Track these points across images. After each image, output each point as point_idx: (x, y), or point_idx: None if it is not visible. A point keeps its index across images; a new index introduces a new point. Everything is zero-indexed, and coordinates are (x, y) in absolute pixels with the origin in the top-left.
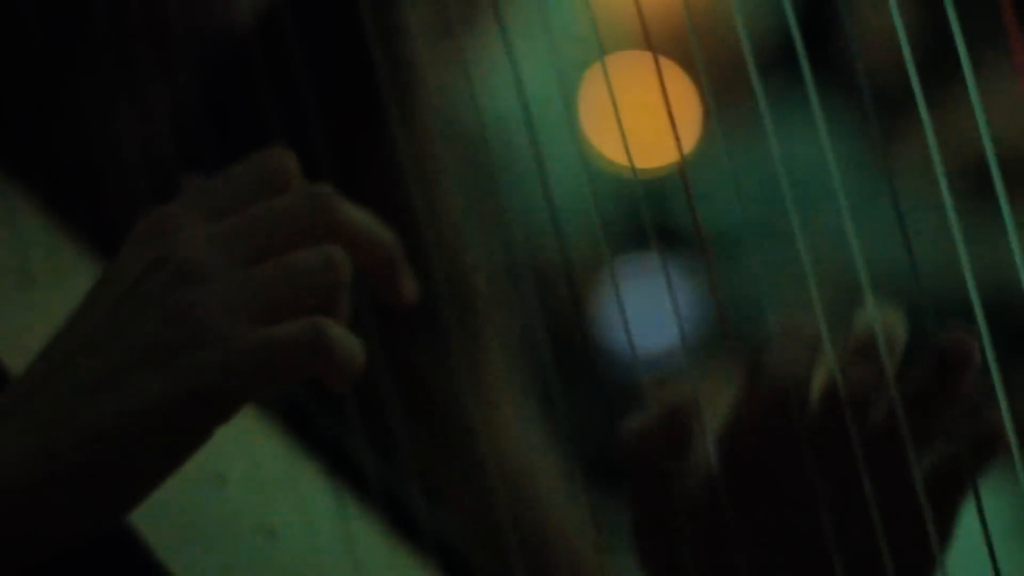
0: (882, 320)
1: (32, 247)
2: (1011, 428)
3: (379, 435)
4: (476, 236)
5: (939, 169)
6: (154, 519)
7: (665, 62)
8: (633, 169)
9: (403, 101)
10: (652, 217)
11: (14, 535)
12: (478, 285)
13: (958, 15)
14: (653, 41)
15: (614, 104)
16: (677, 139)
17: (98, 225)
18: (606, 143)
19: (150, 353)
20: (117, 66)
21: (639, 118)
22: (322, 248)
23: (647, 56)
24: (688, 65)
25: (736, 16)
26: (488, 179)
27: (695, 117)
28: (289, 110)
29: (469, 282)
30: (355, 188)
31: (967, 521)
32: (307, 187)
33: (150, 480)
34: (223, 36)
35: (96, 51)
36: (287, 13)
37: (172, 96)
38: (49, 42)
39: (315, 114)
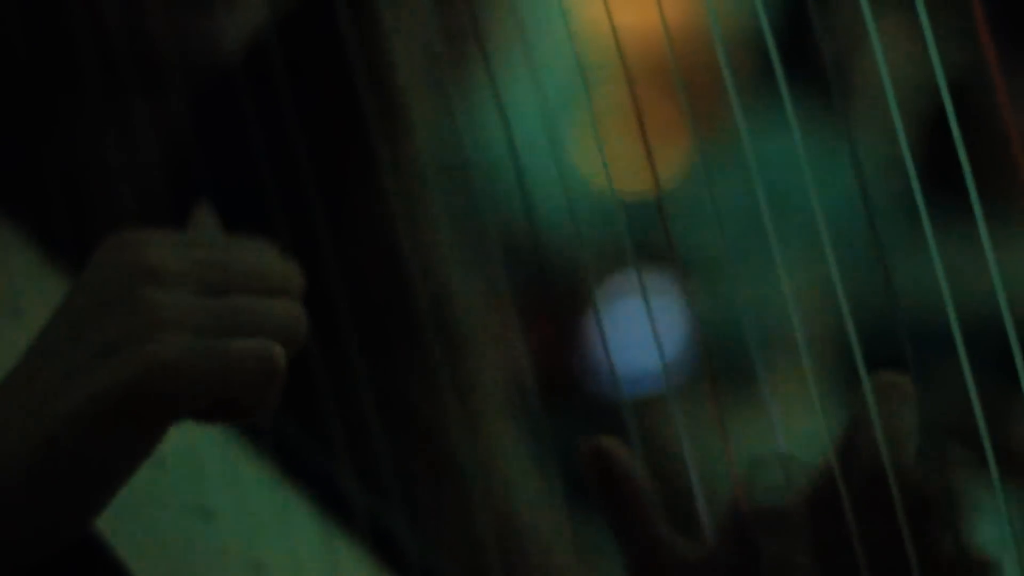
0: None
1: (21, 278)
2: (991, 449)
3: (366, 465)
4: (462, 265)
5: (919, 199)
6: (141, 553)
7: (657, 86)
8: (613, 191)
9: (390, 131)
10: (638, 241)
11: None
12: (465, 314)
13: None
14: (639, 68)
15: (596, 131)
16: (654, 168)
17: (86, 254)
18: (595, 169)
19: (103, 347)
20: (105, 95)
21: (629, 143)
22: (288, 301)
23: (634, 82)
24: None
25: (716, 41)
26: (474, 209)
27: (688, 140)
28: (276, 140)
29: (456, 311)
30: (341, 218)
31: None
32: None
33: (104, 484)
34: (211, 66)
35: (84, 81)
36: (275, 44)
37: (160, 125)
38: (37, 71)
39: (302, 145)
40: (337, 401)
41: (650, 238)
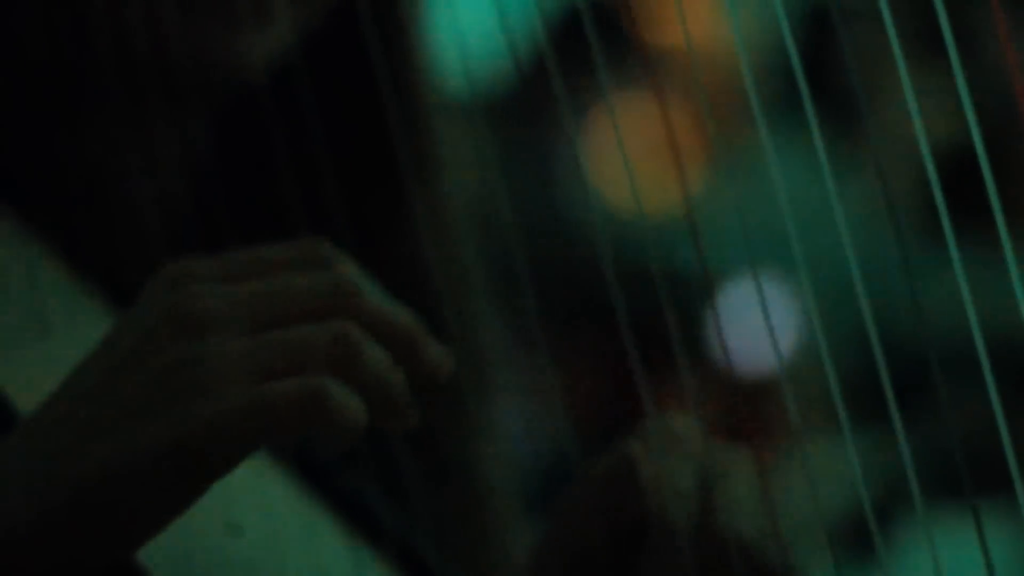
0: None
1: (49, 296)
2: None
3: (393, 483)
4: (490, 294)
5: (944, 213)
6: (168, 566)
7: (671, 101)
8: (642, 213)
9: (417, 155)
10: (665, 264)
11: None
12: (492, 341)
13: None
14: (657, 82)
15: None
16: (684, 187)
17: (110, 273)
18: (610, 187)
19: (147, 402)
20: (127, 114)
21: (644, 160)
22: (334, 323)
23: (650, 98)
24: (695, 105)
25: (741, 61)
26: (505, 242)
27: (702, 156)
28: (301, 161)
29: (483, 338)
30: (368, 243)
31: (969, 555)
32: (334, 271)
33: (140, 530)
34: (235, 85)
35: (106, 99)
36: (301, 64)
37: (184, 143)
38: (59, 90)
39: (327, 166)
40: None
41: (675, 259)
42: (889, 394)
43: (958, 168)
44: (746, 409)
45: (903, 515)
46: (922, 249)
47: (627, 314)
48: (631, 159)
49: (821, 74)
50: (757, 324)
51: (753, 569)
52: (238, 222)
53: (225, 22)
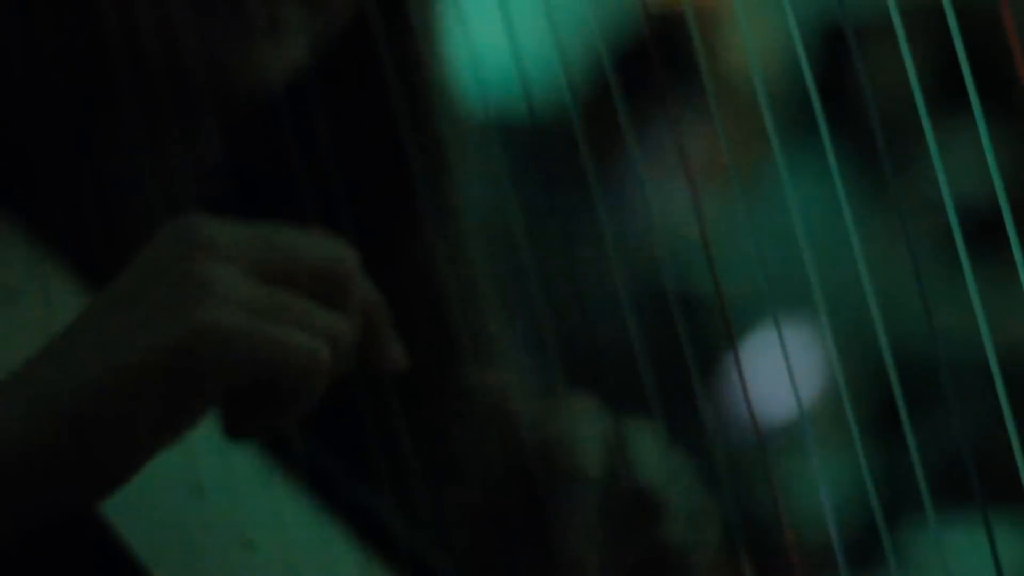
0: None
1: (61, 312)
2: None
3: (406, 499)
4: (504, 308)
5: (957, 232)
6: None
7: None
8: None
9: (429, 170)
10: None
11: (8, 499)
12: (502, 354)
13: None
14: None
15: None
16: (699, 213)
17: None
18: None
19: (152, 311)
20: (142, 125)
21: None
22: (344, 321)
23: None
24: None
25: (755, 76)
26: (518, 256)
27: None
28: (315, 172)
29: (493, 350)
30: (381, 257)
31: (981, 562)
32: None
33: (141, 445)
34: (249, 98)
35: (120, 111)
36: (315, 78)
37: (197, 156)
38: (74, 101)
39: (341, 181)
40: (378, 436)
41: (692, 282)
42: (900, 406)
43: (981, 196)
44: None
45: (913, 523)
46: (937, 266)
47: (643, 340)
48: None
49: (844, 98)
50: (775, 354)
51: (656, 519)
52: None
53: (240, 35)
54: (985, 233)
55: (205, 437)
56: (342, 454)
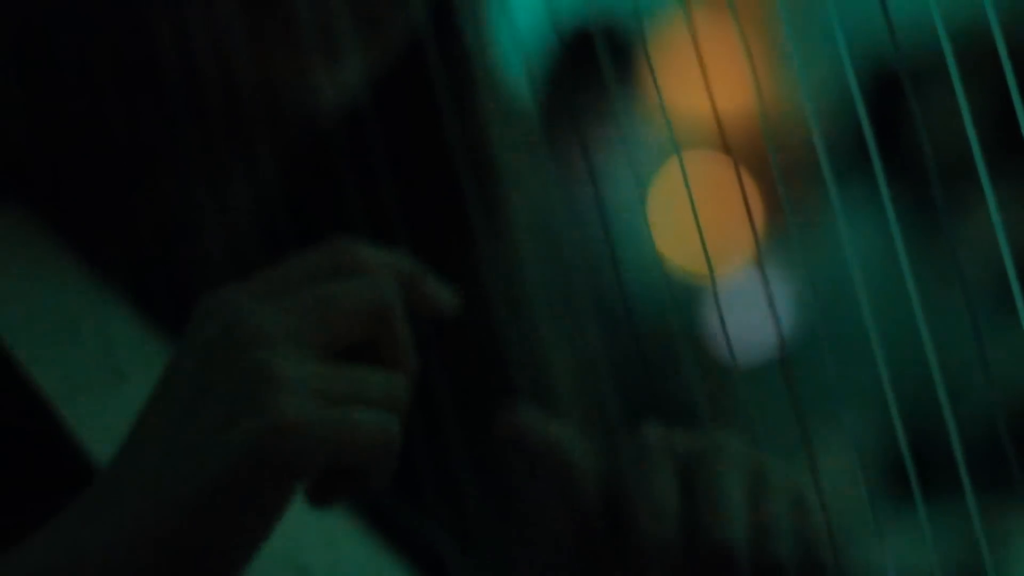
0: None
1: (120, 343)
2: None
3: (460, 526)
4: (555, 327)
5: (1013, 276)
6: None
7: (723, 163)
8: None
9: (485, 197)
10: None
11: None
12: (557, 374)
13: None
14: (722, 143)
15: (692, 205)
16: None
17: (179, 311)
18: (671, 247)
19: (224, 419)
20: (199, 156)
21: (705, 221)
22: (395, 376)
23: (708, 158)
24: (750, 167)
25: (809, 119)
26: (568, 278)
27: (758, 220)
28: (370, 202)
29: (547, 371)
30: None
31: None
32: (371, 273)
33: (238, 552)
34: (305, 128)
35: (178, 142)
36: (371, 107)
37: (253, 182)
38: (132, 134)
39: (397, 207)
40: (432, 462)
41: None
42: (958, 454)
43: None
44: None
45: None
46: (991, 311)
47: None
48: (695, 221)
49: (898, 142)
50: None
51: None
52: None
53: (295, 61)
54: None
55: None
56: (402, 489)
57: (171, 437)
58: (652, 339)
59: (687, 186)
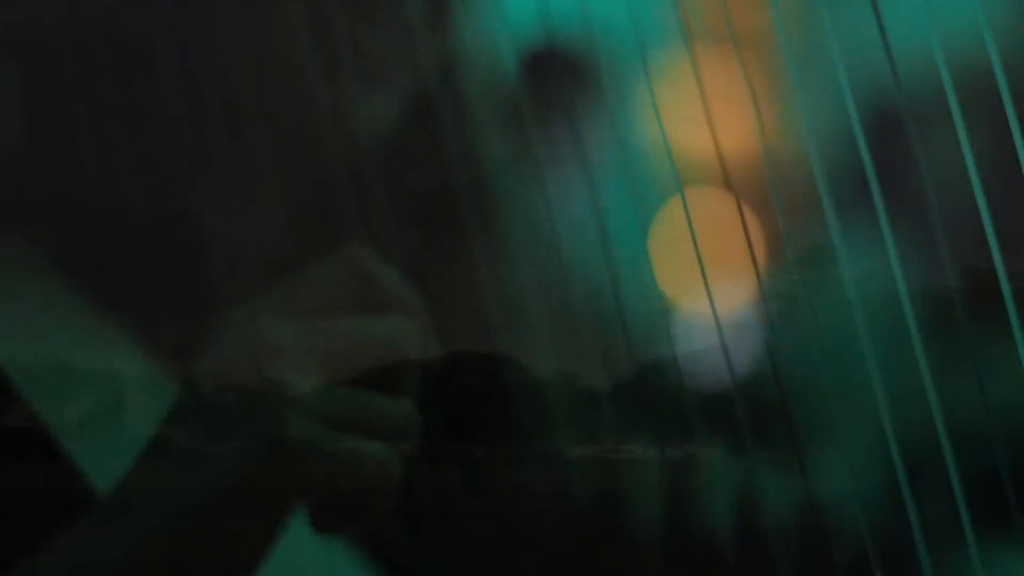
0: None
1: (126, 378)
2: None
3: (461, 561)
4: (556, 352)
5: (1012, 313)
6: None
7: (725, 199)
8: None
9: (486, 223)
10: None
11: None
12: (557, 402)
13: None
14: (725, 180)
15: (695, 243)
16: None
17: (186, 345)
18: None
19: (234, 426)
20: (235, 172)
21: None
22: (407, 406)
23: (712, 195)
24: (751, 204)
25: (811, 155)
26: (568, 299)
27: (760, 256)
28: (395, 218)
29: (548, 403)
30: (438, 303)
31: None
32: (396, 315)
33: (238, 566)
34: (341, 144)
35: (215, 158)
36: (408, 134)
37: (289, 206)
38: (167, 150)
39: (416, 231)
40: (433, 496)
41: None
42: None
43: None
44: None
45: None
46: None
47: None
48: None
49: (899, 179)
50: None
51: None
52: None
53: (334, 83)
54: None
55: None
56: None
57: (182, 445)
58: (649, 366)
59: (689, 224)
